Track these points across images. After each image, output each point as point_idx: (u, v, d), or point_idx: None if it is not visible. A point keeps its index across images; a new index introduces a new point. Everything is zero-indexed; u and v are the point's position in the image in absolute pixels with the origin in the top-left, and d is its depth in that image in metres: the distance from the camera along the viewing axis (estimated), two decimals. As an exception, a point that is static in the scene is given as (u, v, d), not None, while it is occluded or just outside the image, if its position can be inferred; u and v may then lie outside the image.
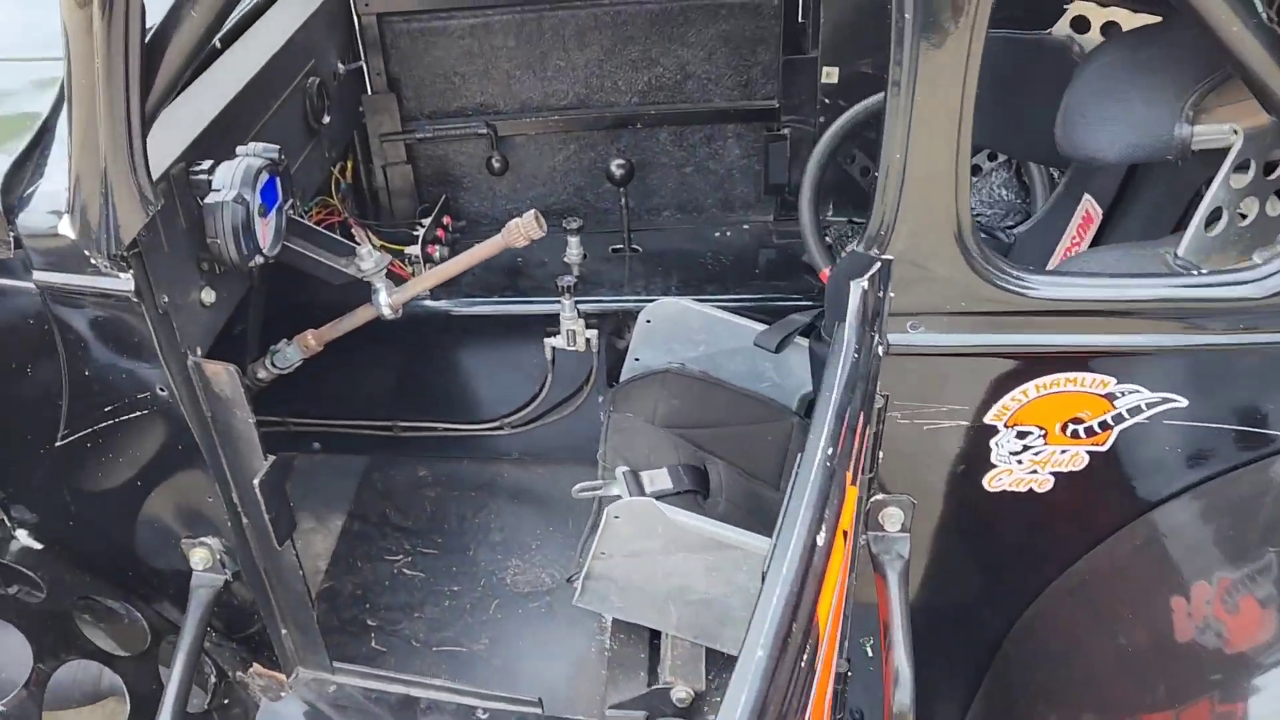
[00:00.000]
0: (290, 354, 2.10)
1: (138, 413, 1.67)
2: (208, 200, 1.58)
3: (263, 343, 2.23)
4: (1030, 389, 1.60)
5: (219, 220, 1.58)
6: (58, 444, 1.74)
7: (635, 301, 2.45)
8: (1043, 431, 1.64)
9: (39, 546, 1.93)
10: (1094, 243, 2.06)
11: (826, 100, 2.53)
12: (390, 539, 2.55)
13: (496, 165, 2.65)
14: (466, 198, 2.76)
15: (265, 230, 1.69)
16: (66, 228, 1.47)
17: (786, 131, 2.63)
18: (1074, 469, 1.67)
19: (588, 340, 2.43)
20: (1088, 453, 1.65)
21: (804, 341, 2.18)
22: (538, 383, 2.57)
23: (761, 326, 2.26)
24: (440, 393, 2.67)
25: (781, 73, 2.58)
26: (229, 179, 1.60)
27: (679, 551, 1.87)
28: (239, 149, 1.68)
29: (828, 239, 2.48)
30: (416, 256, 2.43)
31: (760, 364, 2.37)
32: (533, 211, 1.93)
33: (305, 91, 2.15)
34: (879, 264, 1.49)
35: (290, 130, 2.09)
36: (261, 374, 2.13)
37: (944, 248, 1.48)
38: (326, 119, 2.22)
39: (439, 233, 2.56)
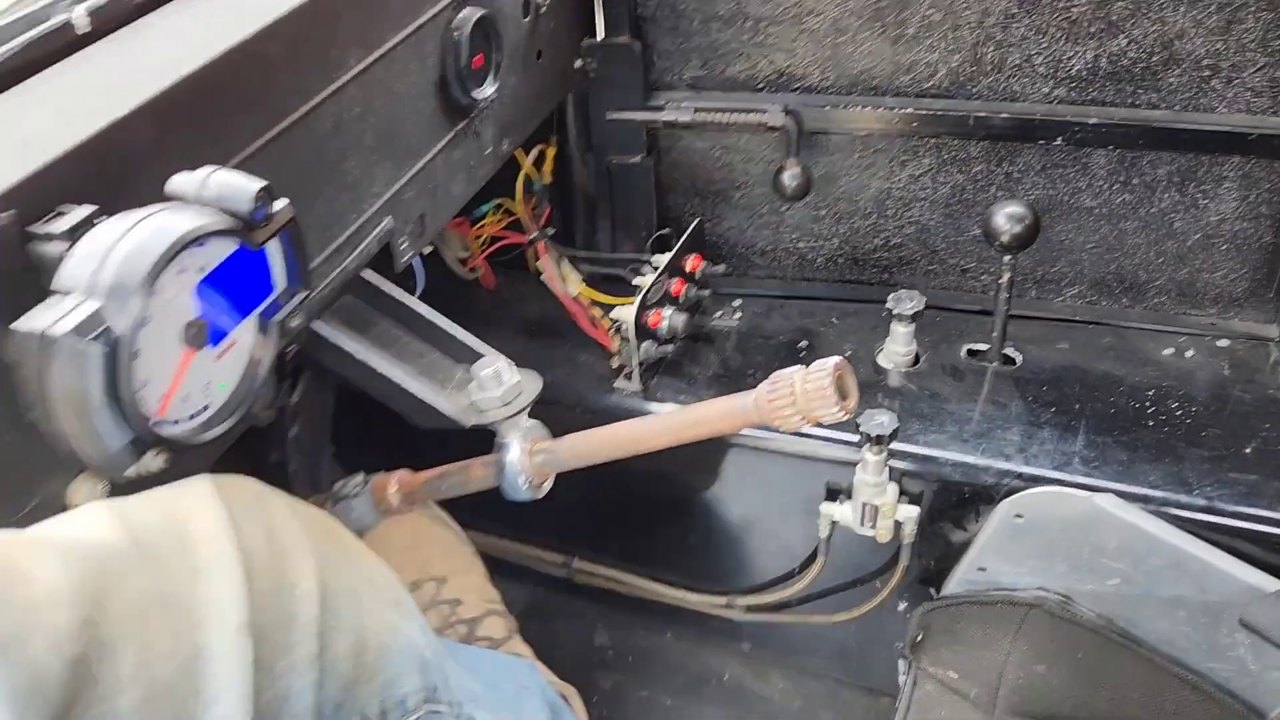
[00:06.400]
0: (359, 510, 1.17)
1: None
2: (15, 326, 0.64)
3: (339, 455, 1.33)
4: None
5: (37, 374, 0.64)
6: None
7: (998, 472, 1.34)
8: None
9: None
10: None
11: None
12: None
13: (790, 181, 1.57)
14: (732, 223, 1.70)
15: (202, 378, 0.75)
16: None
17: (1360, 186, 1.37)
18: None
19: (897, 525, 1.36)
20: None
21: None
22: (799, 557, 1.53)
23: (1249, 573, 1.20)
24: (643, 530, 1.68)
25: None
26: (87, 270, 0.65)
27: None
28: (175, 181, 0.73)
29: None
30: (624, 325, 1.43)
31: (1222, 628, 1.23)
32: (834, 363, 0.85)
33: (448, 33, 1.16)
34: None
35: (402, 112, 1.12)
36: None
37: None
38: (490, 89, 1.22)
39: (675, 286, 1.53)
